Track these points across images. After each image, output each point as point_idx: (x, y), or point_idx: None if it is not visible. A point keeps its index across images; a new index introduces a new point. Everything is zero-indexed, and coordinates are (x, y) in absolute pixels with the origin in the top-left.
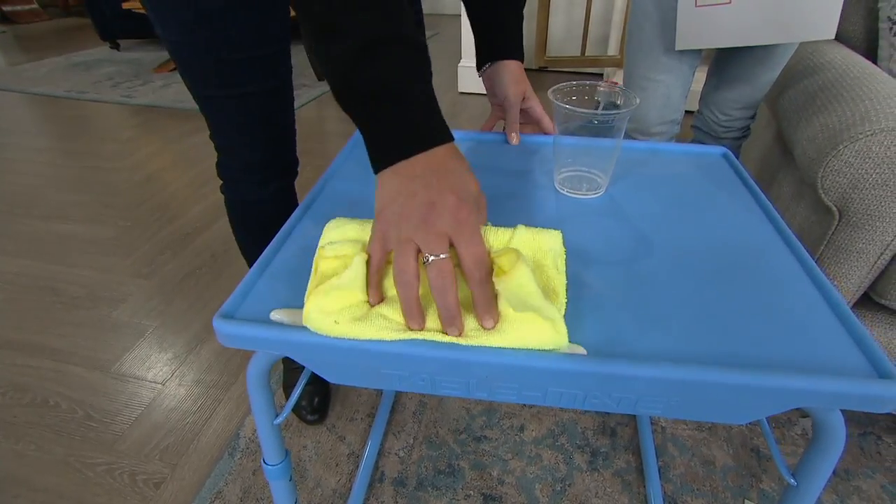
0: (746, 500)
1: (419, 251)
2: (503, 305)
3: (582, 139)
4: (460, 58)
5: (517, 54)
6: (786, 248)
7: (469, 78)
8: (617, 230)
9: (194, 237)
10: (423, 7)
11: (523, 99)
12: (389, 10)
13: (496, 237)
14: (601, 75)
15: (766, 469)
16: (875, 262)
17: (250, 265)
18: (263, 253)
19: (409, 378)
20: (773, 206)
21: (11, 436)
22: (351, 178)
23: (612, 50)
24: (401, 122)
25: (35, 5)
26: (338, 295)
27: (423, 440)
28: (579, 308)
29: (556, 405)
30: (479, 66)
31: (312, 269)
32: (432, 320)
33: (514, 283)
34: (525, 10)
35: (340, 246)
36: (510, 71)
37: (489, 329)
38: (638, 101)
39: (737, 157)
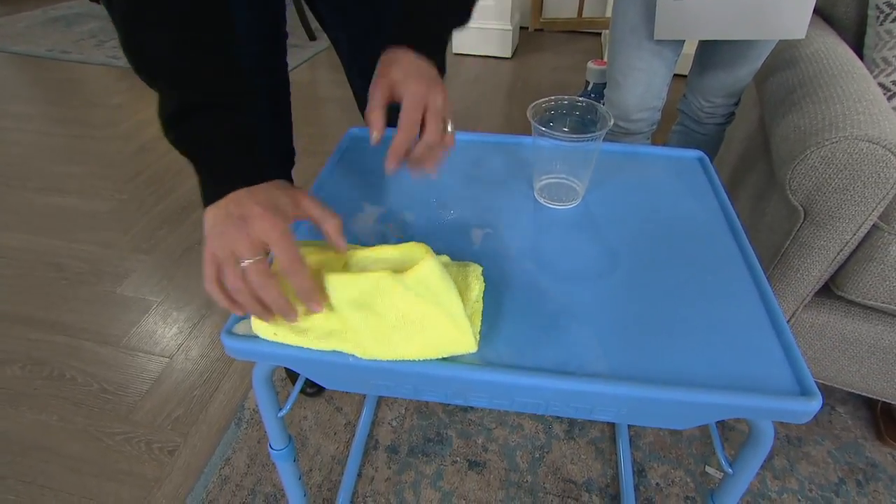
0: (707, 467)
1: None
2: (411, 301)
3: (559, 144)
4: None
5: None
6: (743, 263)
7: (464, 39)
8: (587, 244)
9: (191, 210)
10: None
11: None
12: (207, 75)
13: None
14: (599, 35)
15: (727, 438)
16: (834, 258)
17: None
18: None
19: (394, 387)
20: (737, 217)
21: (35, 406)
22: (342, 182)
23: (610, 11)
24: (215, 172)
25: None
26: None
27: (414, 410)
28: (542, 324)
29: (523, 411)
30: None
31: None
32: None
33: (420, 275)
34: None
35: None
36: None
37: (318, 312)
38: (612, 122)
39: (721, 142)
